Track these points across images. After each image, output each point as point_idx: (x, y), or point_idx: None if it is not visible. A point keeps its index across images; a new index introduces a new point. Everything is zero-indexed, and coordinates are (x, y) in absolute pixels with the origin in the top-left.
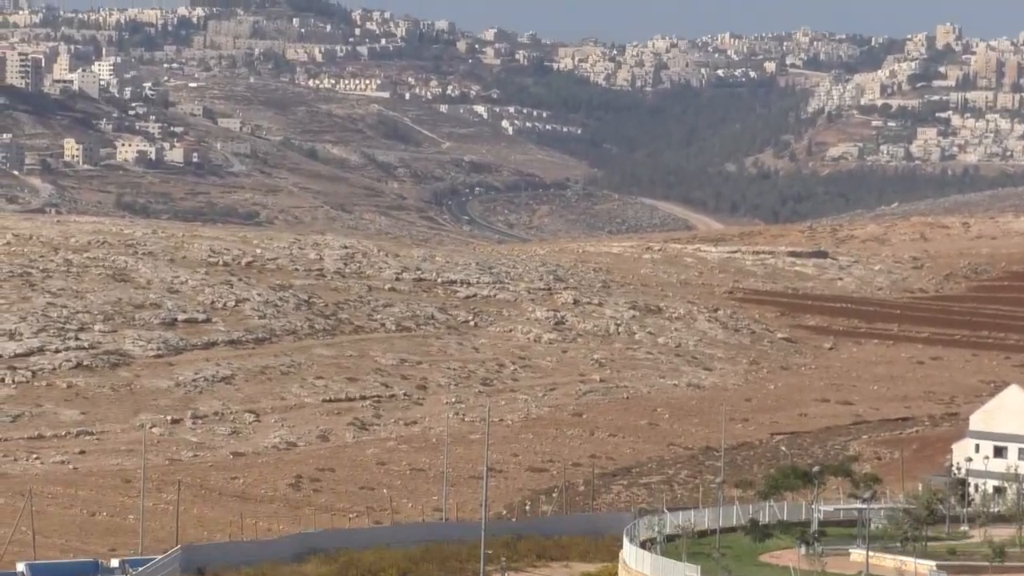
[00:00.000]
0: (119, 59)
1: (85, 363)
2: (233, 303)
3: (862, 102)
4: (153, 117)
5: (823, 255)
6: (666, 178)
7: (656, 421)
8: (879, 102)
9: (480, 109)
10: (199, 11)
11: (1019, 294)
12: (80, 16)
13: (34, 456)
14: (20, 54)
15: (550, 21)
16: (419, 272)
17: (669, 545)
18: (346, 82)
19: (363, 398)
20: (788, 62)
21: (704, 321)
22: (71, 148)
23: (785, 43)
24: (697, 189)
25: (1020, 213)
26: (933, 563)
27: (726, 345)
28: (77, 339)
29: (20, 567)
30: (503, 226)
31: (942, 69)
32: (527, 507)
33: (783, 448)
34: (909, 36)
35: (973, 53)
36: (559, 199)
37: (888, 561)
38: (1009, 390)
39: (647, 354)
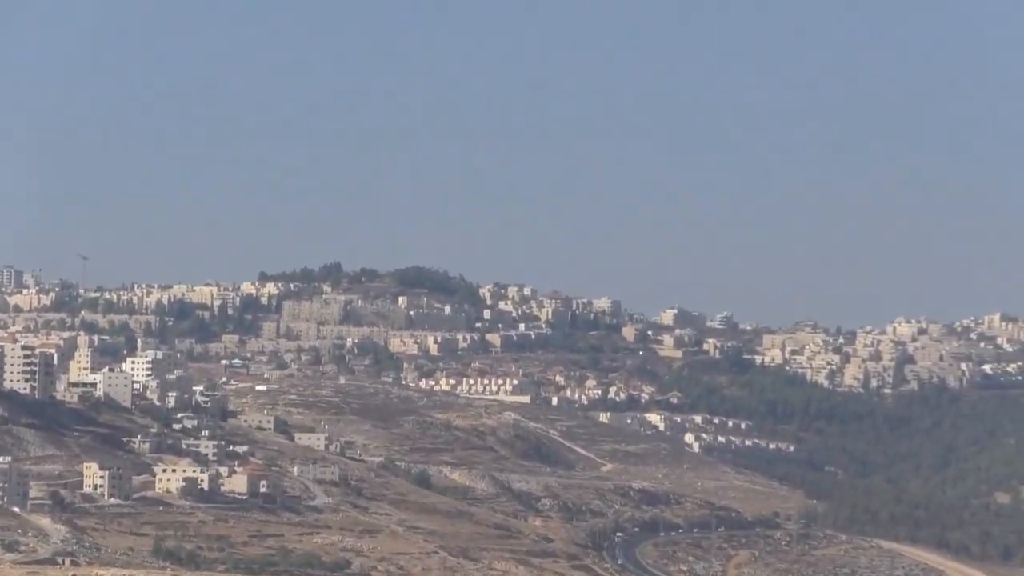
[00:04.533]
0: (159, 354)
1: None
2: None
3: None
4: (206, 433)
5: None
6: (913, 513)
7: None
8: None
9: (655, 419)
10: (270, 287)
11: None
12: (106, 296)
13: None
14: (24, 348)
15: (750, 300)
16: None
17: None
18: (471, 383)
19: None
20: None
21: None
22: (93, 475)
23: None
24: (956, 528)
25: None
26: None
27: None
28: None
29: None
30: None
31: None
32: None
33: None
34: None
35: None
36: (765, 541)
37: None
38: None
39: None
